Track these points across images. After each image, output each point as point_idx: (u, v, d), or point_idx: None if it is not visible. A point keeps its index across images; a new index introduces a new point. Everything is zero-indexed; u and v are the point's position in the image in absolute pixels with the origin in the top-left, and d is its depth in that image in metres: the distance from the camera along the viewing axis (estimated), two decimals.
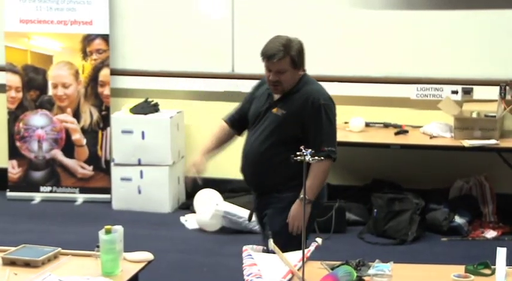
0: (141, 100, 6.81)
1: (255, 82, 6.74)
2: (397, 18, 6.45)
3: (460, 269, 3.19)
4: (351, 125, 6.36)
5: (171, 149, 6.61)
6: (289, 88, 3.84)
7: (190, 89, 6.93)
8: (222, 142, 4.20)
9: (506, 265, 3.02)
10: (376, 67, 6.53)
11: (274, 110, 3.84)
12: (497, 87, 6.23)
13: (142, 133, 6.58)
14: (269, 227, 3.89)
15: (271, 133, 3.83)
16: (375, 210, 6.05)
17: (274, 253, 3.35)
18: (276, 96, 3.88)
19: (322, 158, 3.48)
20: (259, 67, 6.70)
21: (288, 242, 3.64)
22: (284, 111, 3.81)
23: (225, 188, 6.75)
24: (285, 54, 3.81)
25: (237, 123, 4.13)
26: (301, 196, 3.71)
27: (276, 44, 3.88)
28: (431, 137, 6.11)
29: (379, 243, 5.85)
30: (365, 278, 3.09)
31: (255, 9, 6.71)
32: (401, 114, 6.54)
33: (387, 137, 6.20)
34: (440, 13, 6.37)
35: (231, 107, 6.82)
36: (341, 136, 6.13)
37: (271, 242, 3.39)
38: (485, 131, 5.93)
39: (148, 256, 3.48)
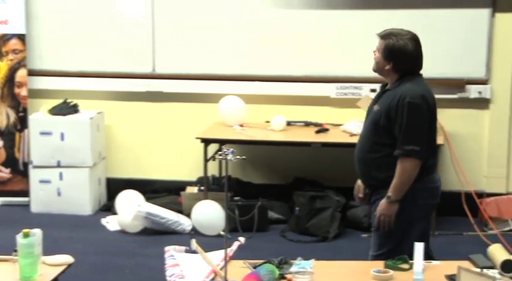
0: (60, 101, 6.69)
1: (176, 82, 6.81)
2: (316, 17, 6.51)
3: (380, 264, 3.24)
4: (272, 124, 6.39)
5: (91, 150, 6.51)
6: (377, 71, 3.89)
7: (110, 90, 6.84)
8: None
9: (424, 260, 3.09)
10: (297, 66, 6.57)
11: (375, 107, 3.84)
12: None
13: (62, 134, 6.46)
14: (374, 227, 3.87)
15: (371, 129, 3.82)
16: (297, 208, 6.10)
17: (196, 253, 3.33)
18: (380, 93, 3.91)
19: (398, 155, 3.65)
20: (180, 67, 6.75)
21: (401, 244, 3.67)
22: (379, 107, 3.80)
23: (147, 188, 6.70)
24: (384, 37, 3.83)
25: None
26: (389, 194, 3.72)
27: (395, 29, 3.88)
28: (352, 135, 6.18)
29: (301, 241, 5.90)
30: (287, 276, 3.10)
31: (175, 8, 6.67)
32: (322, 113, 6.61)
33: (308, 135, 6.25)
34: (359, 13, 6.46)
35: (152, 107, 6.86)
36: (262, 135, 6.23)
37: (193, 242, 3.37)
38: None
39: (68, 259, 3.42)
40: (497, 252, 3.21)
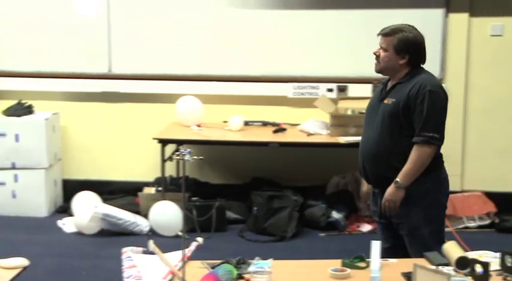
0: (14, 102, 6.61)
1: (132, 82, 6.76)
2: (273, 17, 6.53)
3: (337, 263, 3.25)
4: (230, 124, 6.39)
5: (46, 151, 6.44)
6: (385, 70, 3.82)
7: (66, 90, 6.78)
8: None
9: (381, 258, 3.11)
10: (254, 66, 6.59)
11: (386, 101, 3.78)
12: (370, 85, 6.41)
13: (16, 136, 6.38)
14: (406, 224, 3.78)
15: (385, 123, 3.76)
16: (255, 208, 6.11)
17: (154, 253, 3.32)
18: (388, 88, 3.83)
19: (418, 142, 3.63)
20: (137, 67, 6.71)
21: (430, 237, 3.69)
22: (394, 100, 3.75)
23: (104, 190, 6.65)
24: (391, 33, 3.78)
25: None
26: (397, 179, 3.71)
27: (396, 25, 3.85)
28: (309, 134, 6.21)
29: (259, 240, 5.91)
30: (245, 275, 3.10)
31: (131, 8, 6.63)
32: (279, 113, 6.63)
33: (266, 135, 6.26)
34: (315, 12, 6.50)
35: (108, 107, 6.81)
36: (220, 135, 6.22)
37: (151, 243, 3.35)
38: (360, 127, 6.01)
39: (23, 261, 3.37)
40: (452, 249, 3.25)
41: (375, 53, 3.83)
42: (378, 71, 3.84)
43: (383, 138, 3.75)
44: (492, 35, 6.27)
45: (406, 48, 3.76)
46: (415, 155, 3.69)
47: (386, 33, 3.79)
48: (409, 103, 3.69)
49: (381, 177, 3.79)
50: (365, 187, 4.02)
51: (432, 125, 3.69)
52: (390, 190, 3.74)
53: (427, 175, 3.74)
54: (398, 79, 3.80)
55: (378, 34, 3.83)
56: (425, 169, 3.73)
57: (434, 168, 3.76)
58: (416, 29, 3.84)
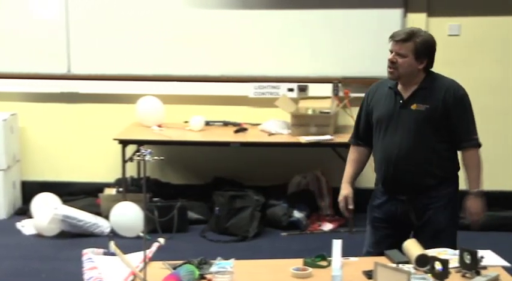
0: None
1: (92, 82, 6.69)
2: (234, 17, 6.53)
3: (299, 262, 3.26)
4: (191, 124, 6.37)
5: (5, 152, 6.36)
6: (403, 77, 3.69)
7: (24, 91, 6.70)
8: (362, 164, 4.02)
9: (342, 256, 3.13)
10: (214, 66, 6.58)
11: (414, 107, 3.68)
12: (331, 85, 6.46)
13: None
14: (432, 227, 3.73)
15: (420, 129, 3.67)
16: (217, 208, 6.10)
17: (115, 255, 3.30)
18: (406, 94, 3.71)
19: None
20: (96, 67, 6.66)
21: (453, 238, 3.69)
22: (427, 106, 3.66)
23: (64, 191, 6.59)
24: (408, 38, 3.66)
25: (367, 139, 3.94)
26: (473, 190, 3.69)
27: (406, 29, 3.77)
28: (270, 134, 6.23)
29: (221, 240, 5.91)
30: (207, 276, 3.09)
31: (90, 8, 6.58)
32: (240, 113, 6.64)
33: (227, 135, 6.26)
34: (276, 12, 6.51)
35: (68, 108, 6.75)
36: (181, 136, 6.20)
37: (112, 244, 3.33)
38: (321, 127, 6.12)
39: None
40: (412, 247, 3.29)
41: (391, 60, 3.68)
42: (394, 79, 3.71)
43: (419, 145, 3.68)
44: (450, 35, 6.34)
45: (426, 52, 3.68)
46: (476, 159, 3.72)
47: (404, 39, 3.65)
48: (448, 109, 3.65)
49: (418, 184, 3.72)
50: (346, 190, 3.93)
51: (475, 127, 3.74)
52: (473, 203, 3.71)
53: (453, 177, 3.77)
54: (418, 84, 3.70)
55: (394, 40, 3.68)
56: (451, 172, 3.75)
57: (457, 170, 3.79)
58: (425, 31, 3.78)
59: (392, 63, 3.67)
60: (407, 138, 3.68)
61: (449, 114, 3.66)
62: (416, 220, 3.75)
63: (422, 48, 3.65)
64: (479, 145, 3.75)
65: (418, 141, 3.67)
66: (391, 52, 3.69)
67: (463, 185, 3.79)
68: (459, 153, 3.78)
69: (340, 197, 3.94)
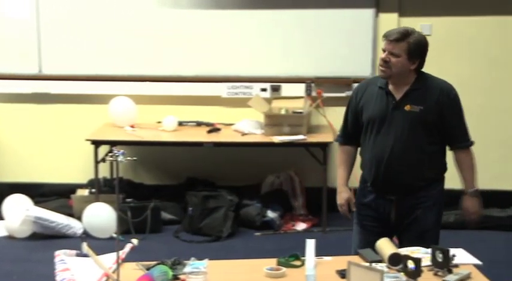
0: None
1: (64, 83, 6.65)
2: (207, 17, 6.52)
3: (273, 262, 3.27)
4: (164, 124, 6.35)
5: None
6: (395, 76, 3.65)
7: None
8: (353, 164, 4.00)
9: (315, 256, 3.14)
10: (187, 66, 6.56)
11: (407, 108, 3.66)
12: (303, 85, 6.47)
13: None
14: (419, 227, 3.73)
15: (413, 130, 3.66)
16: (190, 208, 6.09)
17: (88, 256, 3.28)
18: (398, 95, 3.69)
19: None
20: (68, 67, 6.61)
21: (437, 238, 3.72)
22: (421, 107, 3.65)
23: (36, 192, 6.54)
24: (401, 38, 3.62)
25: (355, 138, 3.92)
26: (469, 190, 3.73)
27: (399, 28, 3.73)
28: (243, 134, 6.23)
29: (195, 241, 5.90)
30: (180, 276, 3.09)
31: (61, 8, 6.54)
32: (214, 113, 6.63)
33: (200, 135, 6.25)
34: (249, 12, 6.51)
35: (39, 109, 6.69)
36: (154, 136, 6.18)
37: (84, 245, 3.31)
38: (294, 127, 6.13)
39: None
40: (385, 246, 3.30)
41: (384, 59, 3.65)
42: (385, 77, 3.69)
43: (411, 146, 3.68)
44: None
45: (419, 53, 3.67)
46: (471, 160, 3.76)
47: (398, 39, 3.62)
48: (442, 110, 3.66)
49: (409, 185, 3.73)
50: (347, 193, 3.91)
51: (467, 128, 3.78)
52: (470, 203, 3.76)
53: (441, 178, 3.80)
54: (410, 85, 3.70)
55: (388, 39, 3.65)
56: (440, 173, 3.78)
57: (445, 171, 3.81)
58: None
59: (385, 62, 3.65)
60: (400, 139, 3.68)
61: (443, 116, 3.67)
62: (397, 220, 3.76)
63: (415, 48, 3.64)
64: (472, 144, 3.79)
65: (410, 142, 3.68)
66: (384, 51, 3.67)
67: (448, 185, 3.81)
68: (451, 153, 3.79)
69: (342, 201, 3.92)
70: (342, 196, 3.91)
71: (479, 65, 6.49)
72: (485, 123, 6.33)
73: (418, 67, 3.70)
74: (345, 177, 3.96)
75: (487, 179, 6.35)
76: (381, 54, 3.69)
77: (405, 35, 3.63)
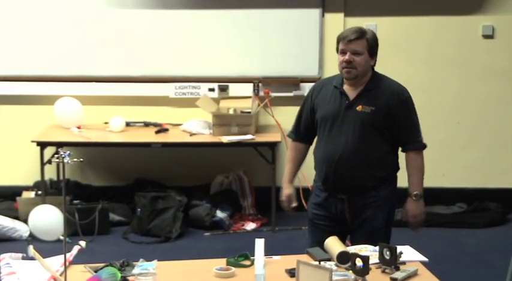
0: None
1: (8, 84, 6.54)
2: (153, 17, 6.49)
3: (222, 262, 3.27)
4: (111, 125, 6.30)
5: None
6: (361, 75, 3.68)
7: None
8: (301, 162, 4.00)
9: (265, 255, 3.15)
10: (134, 66, 6.52)
11: (359, 108, 3.68)
12: (251, 85, 6.49)
13: None
14: (371, 226, 3.74)
15: (364, 131, 3.68)
16: (139, 209, 6.06)
17: (34, 259, 3.23)
18: (352, 95, 3.72)
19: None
20: (12, 68, 6.51)
21: (388, 237, 3.76)
22: (373, 108, 3.67)
23: None
24: (361, 36, 3.65)
25: (308, 136, 3.93)
26: (413, 193, 3.73)
27: (353, 28, 3.70)
28: (191, 134, 6.22)
29: (144, 242, 5.86)
30: (129, 278, 3.07)
31: (4, 7, 6.44)
32: (161, 113, 6.60)
33: (148, 136, 6.22)
34: (196, 12, 6.50)
35: None
36: (101, 137, 6.13)
37: (30, 248, 3.27)
38: (242, 126, 6.14)
39: None
40: (333, 245, 3.33)
41: (347, 60, 3.66)
42: (353, 78, 3.70)
43: (363, 147, 3.71)
44: None
45: (375, 49, 3.72)
46: (419, 162, 3.79)
47: (358, 37, 3.65)
48: (392, 112, 3.70)
49: (360, 185, 3.75)
50: (288, 189, 3.94)
51: (419, 129, 3.81)
52: (412, 205, 3.78)
53: (392, 178, 3.83)
54: (364, 85, 3.73)
55: (347, 40, 3.64)
56: (392, 173, 3.81)
57: (397, 171, 3.85)
58: None
59: (349, 63, 3.67)
60: (352, 139, 3.72)
61: (393, 117, 3.71)
62: (351, 219, 3.79)
63: (372, 44, 3.71)
64: (424, 147, 3.82)
65: (362, 142, 3.71)
66: (344, 53, 3.68)
67: (400, 184, 3.85)
68: (402, 155, 3.83)
69: (283, 197, 3.96)
70: (284, 192, 3.96)
71: (421, 65, 6.59)
72: (426, 123, 6.38)
73: (373, 64, 3.76)
74: (291, 174, 3.99)
75: (432, 177, 6.47)
76: (341, 57, 3.70)
77: (362, 32, 3.69)
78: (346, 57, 3.67)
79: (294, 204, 3.93)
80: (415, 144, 3.79)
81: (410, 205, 3.80)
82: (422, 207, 3.82)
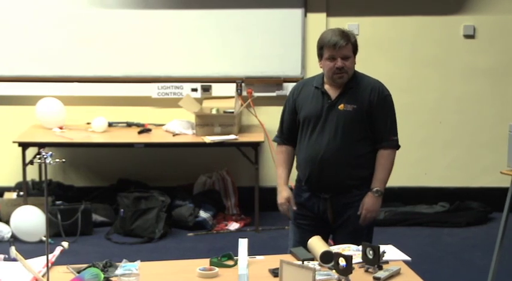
0: None
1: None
2: (135, 17, 6.47)
3: (206, 262, 3.27)
4: (93, 125, 6.28)
5: None
6: (349, 77, 3.73)
7: None
8: (292, 163, 3.97)
9: (248, 255, 3.15)
10: (116, 66, 6.50)
11: (341, 107, 3.70)
12: (234, 85, 6.49)
13: None
14: (352, 225, 3.74)
15: (347, 130, 3.70)
16: (121, 210, 6.04)
17: (16, 260, 3.22)
18: (334, 94, 3.74)
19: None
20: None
21: (371, 236, 3.78)
22: (355, 106, 3.69)
23: None
24: (348, 41, 3.68)
25: (293, 137, 3.90)
26: (375, 188, 3.73)
27: (336, 32, 3.70)
28: (174, 134, 6.21)
29: (127, 242, 5.85)
30: (112, 278, 3.06)
31: None
32: (144, 113, 6.59)
33: (131, 136, 6.21)
34: (178, 12, 6.49)
35: None
36: (83, 137, 6.11)
37: (12, 249, 3.25)
38: (225, 127, 6.14)
39: None
40: (316, 244, 3.34)
41: (340, 67, 3.69)
42: (344, 82, 3.73)
43: (345, 146, 3.73)
44: None
45: (357, 49, 3.77)
46: (388, 161, 3.78)
47: (346, 42, 3.68)
48: (372, 109, 3.72)
49: (342, 184, 3.76)
50: (287, 193, 3.90)
51: (395, 128, 3.81)
52: (371, 200, 3.76)
53: (370, 177, 3.82)
54: (345, 84, 3.75)
55: (337, 47, 3.66)
56: (373, 172, 3.79)
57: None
58: None
59: (341, 69, 3.70)
60: (334, 139, 3.74)
61: (372, 114, 3.74)
62: (333, 219, 3.80)
63: (356, 45, 3.76)
64: (397, 146, 3.83)
65: (344, 141, 3.73)
66: (334, 59, 3.69)
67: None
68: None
69: (282, 200, 3.90)
70: (282, 195, 3.91)
71: (403, 64, 6.61)
72: (407, 122, 6.43)
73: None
74: (285, 176, 3.96)
75: (414, 176, 6.53)
76: (331, 63, 3.70)
77: (347, 36, 3.72)
78: (339, 63, 3.69)
79: (294, 207, 3.87)
80: (389, 142, 3.80)
81: (368, 200, 3.78)
82: (379, 205, 3.81)
